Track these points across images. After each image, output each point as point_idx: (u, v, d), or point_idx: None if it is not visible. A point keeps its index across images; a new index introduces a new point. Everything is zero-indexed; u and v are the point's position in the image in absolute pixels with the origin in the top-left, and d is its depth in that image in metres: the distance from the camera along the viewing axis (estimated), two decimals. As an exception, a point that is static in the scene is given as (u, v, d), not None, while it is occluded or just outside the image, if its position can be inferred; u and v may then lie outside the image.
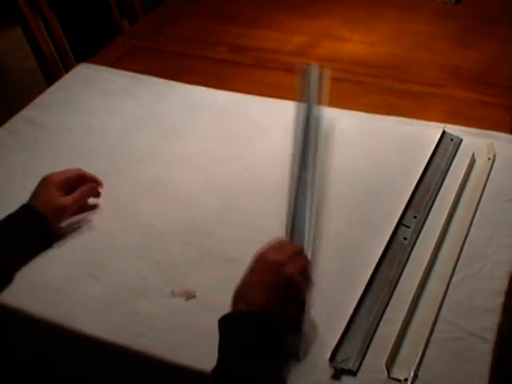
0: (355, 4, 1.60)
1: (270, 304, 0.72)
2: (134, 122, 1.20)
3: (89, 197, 0.98)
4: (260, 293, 0.73)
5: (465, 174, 1.00)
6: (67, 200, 0.93)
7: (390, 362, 0.73)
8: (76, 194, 0.95)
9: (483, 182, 0.98)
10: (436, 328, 0.77)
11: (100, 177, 1.00)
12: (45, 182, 0.94)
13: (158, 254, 0.91)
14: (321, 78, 1.11)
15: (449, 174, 1.01)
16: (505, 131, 1.10)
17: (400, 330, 0.76)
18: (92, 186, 0.98)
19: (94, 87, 1.31)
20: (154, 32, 1.56)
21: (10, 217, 0.90)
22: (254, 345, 0.70)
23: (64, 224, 0.95)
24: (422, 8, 1.58)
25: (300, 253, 0.79)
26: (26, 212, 0.91)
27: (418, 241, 0.90)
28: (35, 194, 0.94)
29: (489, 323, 0.77)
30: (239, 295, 0.74)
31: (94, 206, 0.99)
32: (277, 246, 0.78)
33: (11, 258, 0.88)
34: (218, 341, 0.72)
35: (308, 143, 1.02)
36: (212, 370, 0.69)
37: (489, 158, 1.03)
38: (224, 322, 0.73)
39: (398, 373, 0.72)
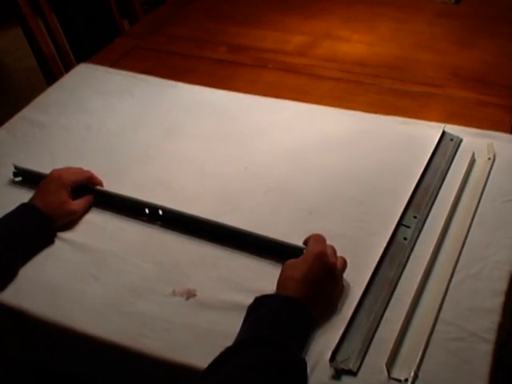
0: (355, 4, 1.60)
1: (312, 296, 0.77)
2: (133, 122, 1.20)
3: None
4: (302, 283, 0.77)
5: (465, 174, 1.00)
6: (77, 206, 0.96)
7: (391, 363, 0.73)
8: (86, 202, 0.97)
9: (483, 182, 0.98)
10: (436, 328, 0.77)
11: (100, 176, 1.02)
12: (56, 182, 0.94)
13: (158, 253, 0.91)
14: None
15: (449, 174, 1.01)
16: (505, 131, 1.10)
17: (400, 331, 0.76)
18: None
19: (93, 87, 1.31)
20: (154, 32, 1.56)
21: (11, 215, 0.91)
22: (289, 326, 0.74)
23: (64, 224, 0.95)
24: (421, 8, 1.58)
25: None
26: (29, 210, 0.92)
27: (418, 241, 0.90)
28: (44, 191, 0.94)
29: (489, 323, 0.77)
30: (284, 285, 0.79)
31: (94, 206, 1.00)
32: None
33: (15, 255, 0.87)
34: (247, 315, 0.76)
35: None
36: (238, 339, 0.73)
37: (489, 158, 1.03)
38: (264, 298, 0.77)
39: (398, 373, 0.72)
